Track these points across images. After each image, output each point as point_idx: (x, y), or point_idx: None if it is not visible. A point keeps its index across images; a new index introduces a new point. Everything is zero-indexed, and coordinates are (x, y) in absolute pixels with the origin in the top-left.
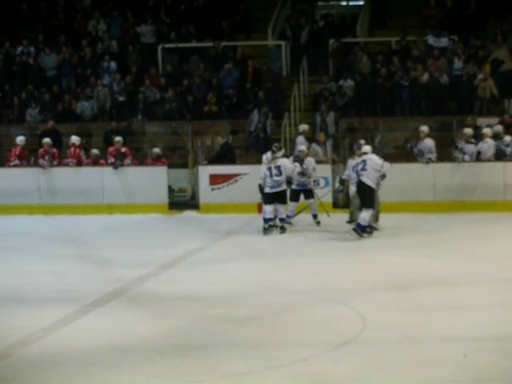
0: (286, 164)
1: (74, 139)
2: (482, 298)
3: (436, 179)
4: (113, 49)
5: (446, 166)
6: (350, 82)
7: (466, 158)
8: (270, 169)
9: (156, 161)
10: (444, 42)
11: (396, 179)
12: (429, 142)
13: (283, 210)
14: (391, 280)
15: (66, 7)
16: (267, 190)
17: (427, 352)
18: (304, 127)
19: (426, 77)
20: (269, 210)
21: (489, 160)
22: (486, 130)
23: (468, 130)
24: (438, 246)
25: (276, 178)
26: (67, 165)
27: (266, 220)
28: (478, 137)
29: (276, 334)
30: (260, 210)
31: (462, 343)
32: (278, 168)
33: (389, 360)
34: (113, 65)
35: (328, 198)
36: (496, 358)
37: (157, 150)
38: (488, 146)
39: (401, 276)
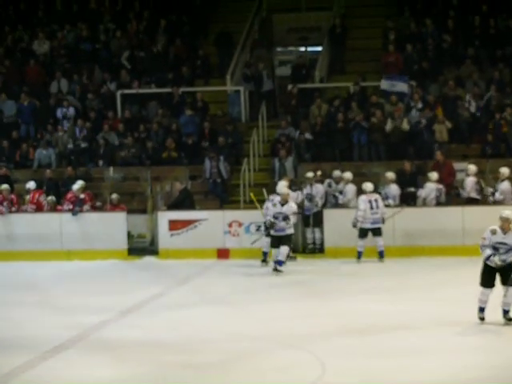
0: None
1: (30, 185)
2: (442, 343)
3: (395, 224)
4: (72, 100)
5: (405, 211)
6: (307, 130)
7: (390, 201)
8: (370, 201)
9: (115, 206)
10: (403, 86)
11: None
12: (395, 189)
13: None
14: (351, 325)
15: (22, 52)
16: (369, 225)
17: None
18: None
19: (389, 125)
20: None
21: (446, 204)
22: (431, 175)
23: (390, 174)
24: (397, 291)
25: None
26: (26, 211)
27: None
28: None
29: (236, 380)
30: (220, 255)
31: None
32: (376, 201)
33: None
34: (71, 111)
35: None
36: None
37: (116, 196)
38: (429, 190)
39: (360, 321)
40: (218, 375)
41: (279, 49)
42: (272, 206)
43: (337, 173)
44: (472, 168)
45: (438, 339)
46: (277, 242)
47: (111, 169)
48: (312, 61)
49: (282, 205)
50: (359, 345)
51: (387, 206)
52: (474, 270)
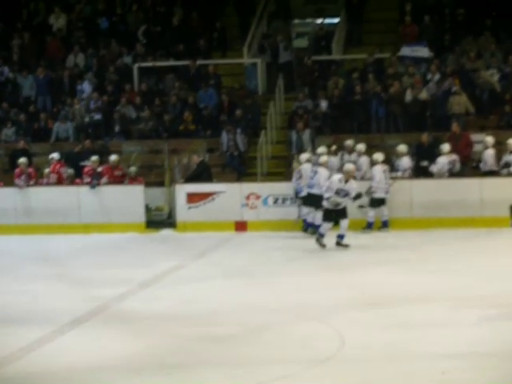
0: None
1: (54, 155)
2: (460, 314)
3: (413, 196)
4: (89, 76)
5: (422, 183)
6: (324, 101)
7: (399, 174)
8: (384, 171)
9: (133, 179)
10: (424, 51)
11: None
12: (406, 162)
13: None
14: (369, 298)
15: (38, 27)
16: (384, 195)
17: (405, 369)
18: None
19: (408, 95)
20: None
21: (463, 176)
22: (443, 147)
23: (401, 147)
24: (415, 263)
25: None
26: (47, 183)
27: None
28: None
29: (255, 352)
30: (238, 228)
31: (439, 360)
32: (388, 171)
33: (367, 378)
34: (86, 87)
35: None
36: (474, 375)
37: (133, 169)
38: (441, 164)
39: (378, 293)
40: (236, 347)
41: (296, 21)
42: (338, 181)
43: (349, 142)
44: (490, 140)
45: (455, 311)
46: (331, 215)
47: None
48: (329, 33)
49: (346, 181)
50: (378, 317)
51: (394, 178)
52: (492, 241)
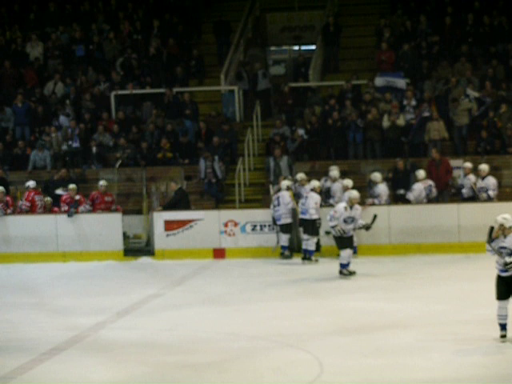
0: None
1: (30, 183)
2: (438, 340)
3: (391, 222)
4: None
5: (400, 209)
6: (302, 129)
7: (375, 201)
8: None
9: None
10: (401, 82)
11: None
12: (382, 189)
13: None
14: (347, 324)
15: (16, 56)
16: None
17: None
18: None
19: (385, 121)
20: None
21: (442, 202)
22: (418, 173)
23: (376, 175)
24: (393, 289)
25: None
26: (21, 208)
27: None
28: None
29: (234, 380)
30: (216, 255)
31: None
32: None
33: None
34: (63, 121)
35: None
36: None
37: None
38: (417, 192)
39: (357, 320)
40: (215, 375)
41: (273, 48)
42: (344, 209)
43: (332, 168)
44: (470, 166)
45: (434, 337)
46: (344, 242)
47: (116, 168)
48: (306, 59)
49: (351, 208)
50: (356, 343)
51: (370, 204)
52: (470, 267)
